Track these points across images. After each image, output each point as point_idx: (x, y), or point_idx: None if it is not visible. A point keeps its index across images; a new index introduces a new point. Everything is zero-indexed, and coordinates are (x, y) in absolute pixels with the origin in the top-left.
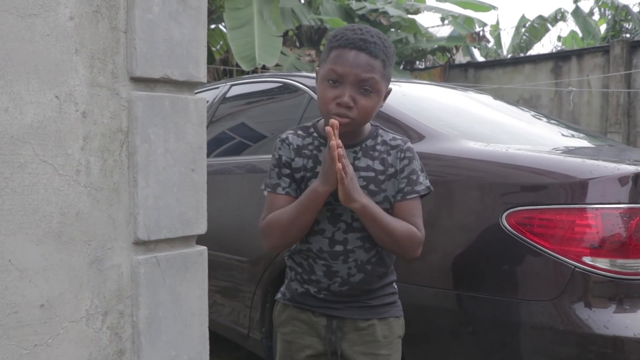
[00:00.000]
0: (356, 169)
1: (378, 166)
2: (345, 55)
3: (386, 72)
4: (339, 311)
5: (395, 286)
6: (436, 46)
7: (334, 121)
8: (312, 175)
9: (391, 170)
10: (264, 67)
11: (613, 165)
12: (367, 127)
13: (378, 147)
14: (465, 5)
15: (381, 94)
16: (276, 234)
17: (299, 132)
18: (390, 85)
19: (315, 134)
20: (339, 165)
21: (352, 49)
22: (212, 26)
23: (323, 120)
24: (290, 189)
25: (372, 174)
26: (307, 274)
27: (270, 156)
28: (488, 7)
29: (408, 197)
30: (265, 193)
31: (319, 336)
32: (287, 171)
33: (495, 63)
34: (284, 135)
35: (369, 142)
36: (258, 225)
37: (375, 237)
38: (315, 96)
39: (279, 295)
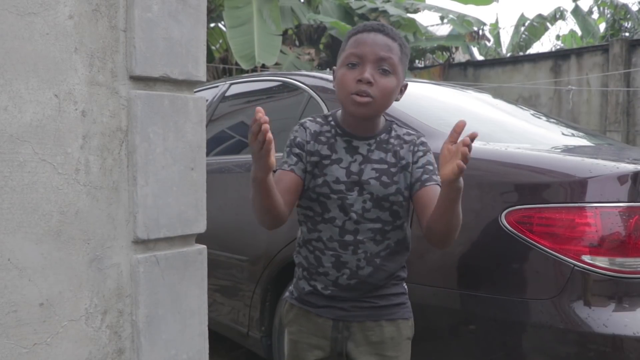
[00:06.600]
0: (369, 161)
1: (391, 158)
2: (364, 37)
3: (402, 57)
4: (345, 312)
5: (405, 286)
6: (436, 45)
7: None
8: (328, 163)
9: (402, 162)
10: (263, 66)
11: (612, 164)
12: (382, 120)
13: (392, 140)
14: (466, 1)
15: (400, 78)
16: (253, 211)
17: (318, 119)
18: (405, 81)
19: (332, 123)
20: (266, 132)
21: (370, 31)
22: (212, 25)
23: (341, 110)
24: (295, 167)
25: (384, 166)
26: (314, 267)
27: None
28: (489, 0)
29: (427, 184)
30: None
31: (324, 337)
32: (297, 150)
33: (495, 62)
34: (302, 120)
35: (383, 136)
36: None
37: (448, 221)
38: (314, 95)
39: (286, 293)
